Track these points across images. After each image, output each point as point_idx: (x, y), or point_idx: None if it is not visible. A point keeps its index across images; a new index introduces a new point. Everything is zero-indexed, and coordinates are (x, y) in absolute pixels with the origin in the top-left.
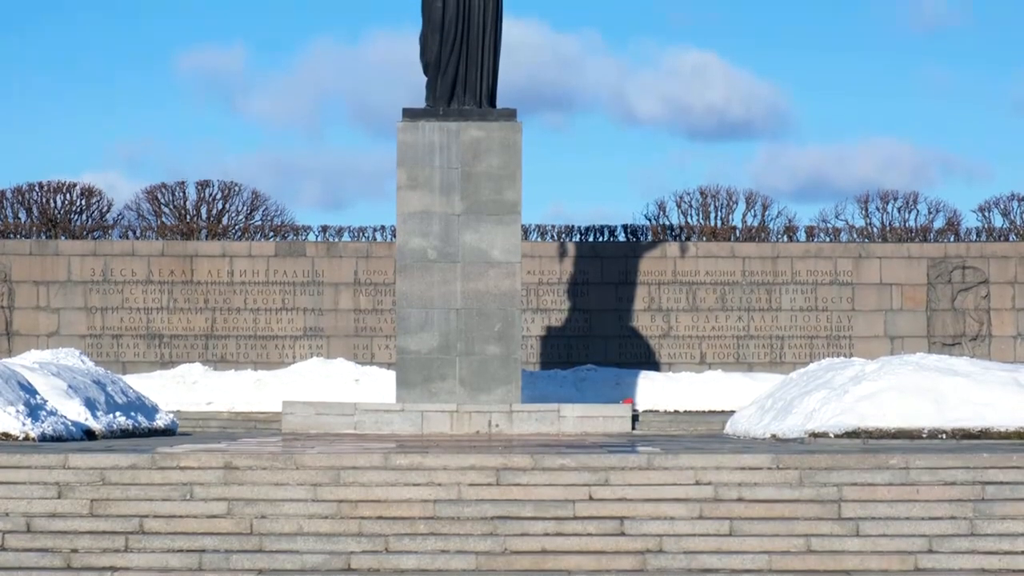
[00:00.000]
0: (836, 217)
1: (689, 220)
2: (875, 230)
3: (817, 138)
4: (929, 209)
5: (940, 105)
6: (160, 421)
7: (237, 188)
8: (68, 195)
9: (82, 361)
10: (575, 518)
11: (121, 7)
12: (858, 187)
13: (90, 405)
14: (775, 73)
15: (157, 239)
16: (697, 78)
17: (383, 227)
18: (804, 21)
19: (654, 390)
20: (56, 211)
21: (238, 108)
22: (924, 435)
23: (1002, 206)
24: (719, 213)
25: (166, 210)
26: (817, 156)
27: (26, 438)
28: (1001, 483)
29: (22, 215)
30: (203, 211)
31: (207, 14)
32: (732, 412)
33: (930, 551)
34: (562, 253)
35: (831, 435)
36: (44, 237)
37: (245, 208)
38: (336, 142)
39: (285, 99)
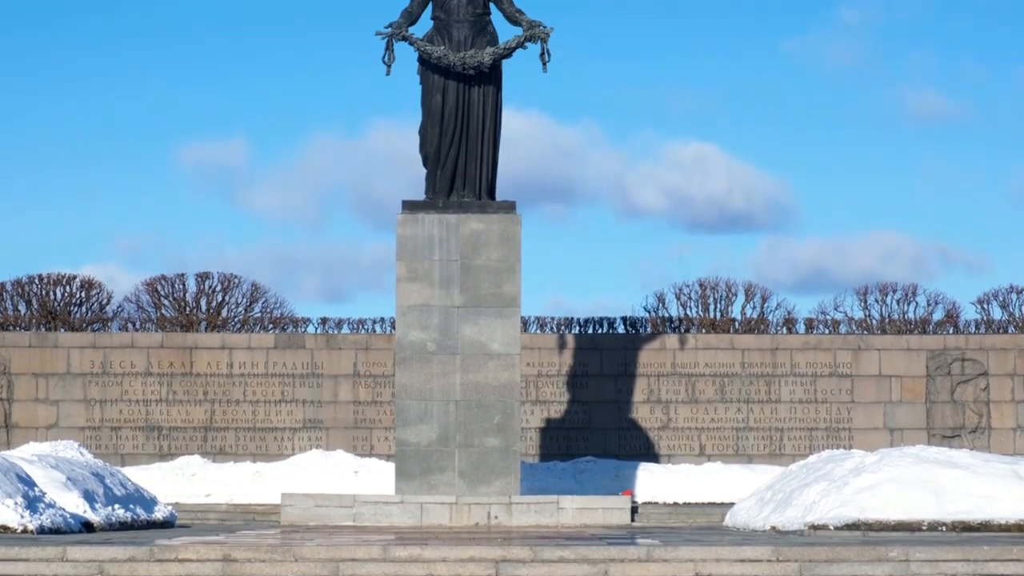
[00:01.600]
0: (835, 309)
1: (688, 312)
2: (874, 322)
3: (818, 230)
4: (928, 301)
5: (940, 197)
6: (159, 513)
7: (237, 280)
8: (68, 287)
9: (81, 453)
10: None
11: (122, 100)
12: (858, 279)
13: (89, 497)
14: (776, 165)
15: (156, 331)
16: (698, 170)
17: (382, 319)
18: (805, 114)
19: (653, 482)
20: (56, 303)
21: (238, 200)
22: (924, 527)
23: (1001, 298)
24: (718, 305)
25: (166, 302)
26: (818, 248)
27: (24, 530)
28: None
29: (22, 307)
30: (203, 303)
31: (208, 107)
32: (732, 504)
33: None
34: (561, 345)
35: (831, 527)
36: (44, 329)
37: (245, 300)
38: (337, 234)
39: (286, 191)
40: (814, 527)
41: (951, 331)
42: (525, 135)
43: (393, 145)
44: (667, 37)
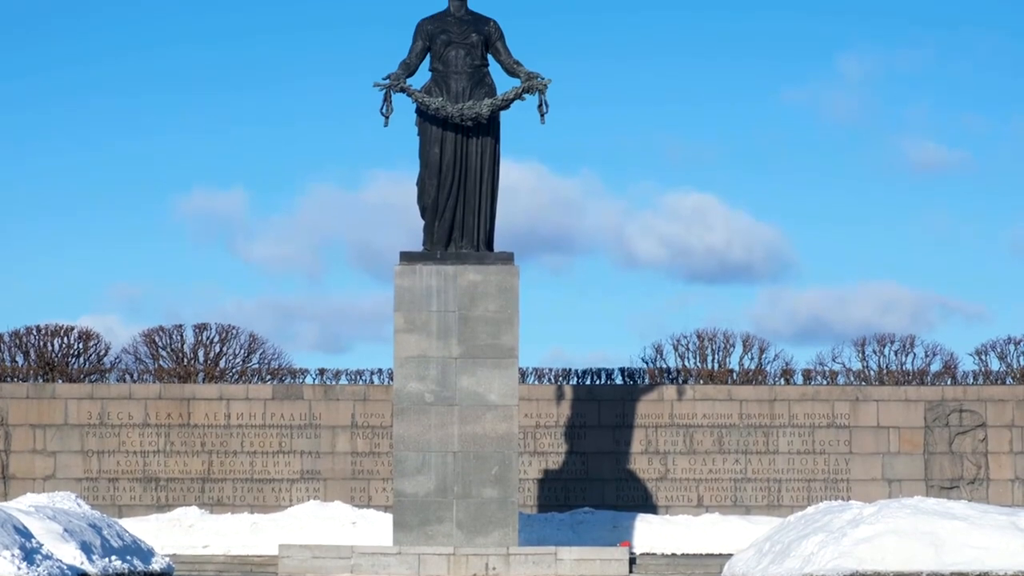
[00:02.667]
0: (833, 360)
1: (686, 363)
2: (872, 373)
3: (817, 281)
4: (926, 352)
5: (939, 248)
6: (156, 565)
7: (234, 331)
8: (66, 339)
9: (78, 504)
10: None
11: (121, 150)
12: (857, 330)
13: (86, 549)
14: (775, 215)
15: (154, 382)
16: (697, 220)
17: (380, 370)
18: (805, 164)
19: (651, 533)
20: (53, 354)
21: (237, 251)
22: None
23: (999, 349)
24: (716, 356)
25: (163, 353)
26: (817, 299)
27: None
28: None
29: (19, 358)
30: (200, 354)
31: (207, 158)
32: (730, 555)
33: None
34: (559, 396)
35: None
36: (41, 380)
37: (242, 351)
38: (335, 285)
39: (285, 242)
40: None
41: (949, 382)
42: (524, 186)
43: (391, 196)
44: (665, 87)
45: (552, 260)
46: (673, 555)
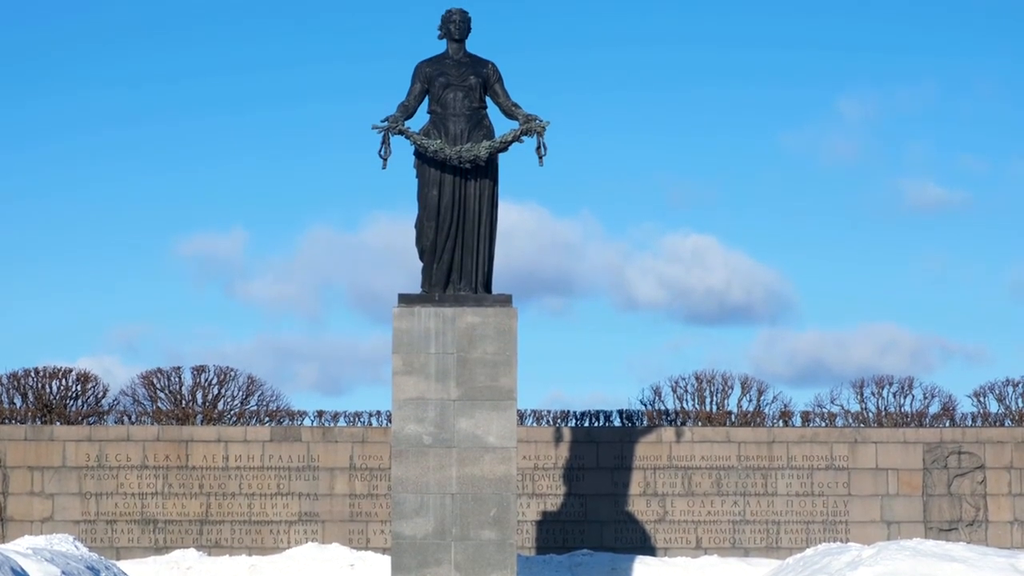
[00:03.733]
0: (831, 402)
1: (684, 405)
2: (870, 415)
3: (816, 322)
4: (924, 394)
5: (939, 290)
6: None
7: (233, 373)
8: (64, 380)
9: (76, 547)
10: None
11: (119, 192)
12: (857, 372)
13: None
14: (775, 257)
15: (152, 424)
16: (696, 262)
17: (379, 412)
18: (804, 206)
19: (650, 575)
20: (52, 397)
21: (235, 293)
22: None
23: (997, 391)
24: (714, 398)
25: (162, 395)
26: (816, 340)
27: None
28: None
29: (17, 400)
30: (198, 396)
31: (206, 200)
32: None
33: None
34: (558, 438)
35: None
36: (39, 422)
37: (240, 393)
38: (334, 327)
39: (284, 284)
40: None
41: (947, 424)
42: (523, 227)
43: (390, 238)
44: (665, 129)
45: (552, 302)
46: None
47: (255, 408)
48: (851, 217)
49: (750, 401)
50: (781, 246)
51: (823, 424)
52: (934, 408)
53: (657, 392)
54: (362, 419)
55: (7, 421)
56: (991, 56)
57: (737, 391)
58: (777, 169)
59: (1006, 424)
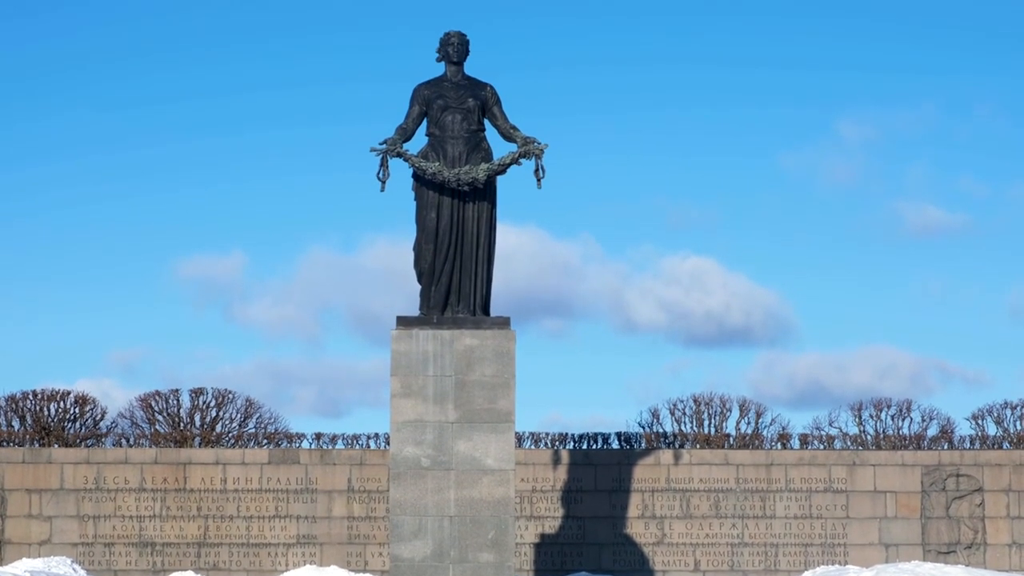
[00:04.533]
0: (830, 425)
1: (682, 428)
2: (869, 438)
3: (816, 345)
4: (922, 417)
5: (939, 313)
6: None
7: (231, 396)
8: (62, 403)
9: (74, 569)
10: None
11: (119, 215)
12: (856, 395)
13: None
14: (774, 280)
15: (150, 447)
16: (696, 284)
17: (377, 435)
18: (804, 228)
19: None
20: (50, 419)
21: (234, 316)
22: None
23: (995, 414)
24: (712, 421)
25: (160, 418)
26: (815, 363)
27: None
28: None
29: (15, 423)
30: (197, 419)
31: (206, 223)
32: None
33: None
34: (556, 461)
35: None
36: (37, 445)
37: (239, 416)
38: (333, 349)
39: (283, 306)
40: None
41: (946, 447)
42: (523, 250)
43: (389, 260)
44: (664, 151)
45: (551, 324)
46: None
47: (253, 431)
48: (851, 239)
49: (748, 424)
50: (780, 268)
51: (821, 447)
52: (932, 431)
53: (655, 415)
54: (360, 441)
55: (5, 444)
56: (991, 78)
57: (735, 414)
58: (777, 191)
59: (1004, 447)
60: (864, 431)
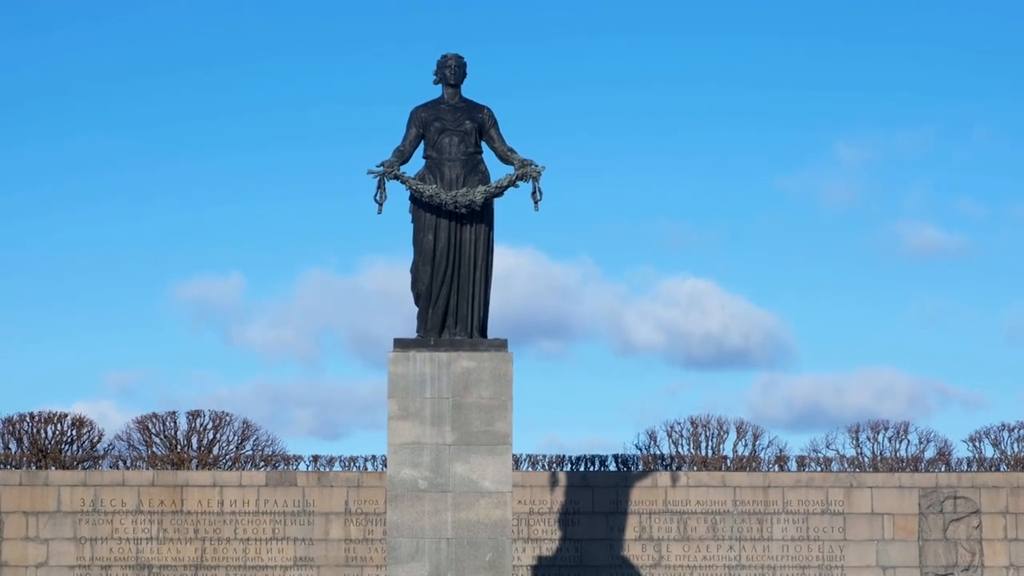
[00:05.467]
0: (827, 447)
1: (680, 450)
2: (866, 460)
3: (814, 367)
4: (920, 439)
5: (937, 334)
6: None
7: (228, 418)
8: (59, 425)
9: None
10: None
11: (117, 237)
12: (854, 416)
13: None
14: (773, 301)
15: (147, 469)
16: (694, 306)
17: (374, 457)
18: (802, 250)
19: None
20: (47, 441)
21: (232, 338)
22: None
23: (992, 436)
24: (710, 443)
25: (157, 440)
26: (814, 385)
27: None
28: None
29: (12, 446)
30: (194, 441)
31: (204, 245)
32: None
33: None
34: (553, 483)
35: None
36: (34, 467)
37: (236, 438)
38: (331, 371)
39: (280, 328)
40: None
41: (943, 469)
42: (522, 272)
43: (387, 282)
44: (663, 173)
45: (550, 346)
46: None
47: (250, 453)
48: (849, 261)
49: (745, 446)
50: (779, 290)
51: (819, 469)
52: (929, 453)
53: (652, 436)
54: (357, 464)
55: (2, 466)
56: (989, 100)
57: (732, 436)
58: (775, 213)
59: (1001, 469)
60: (861, 453)
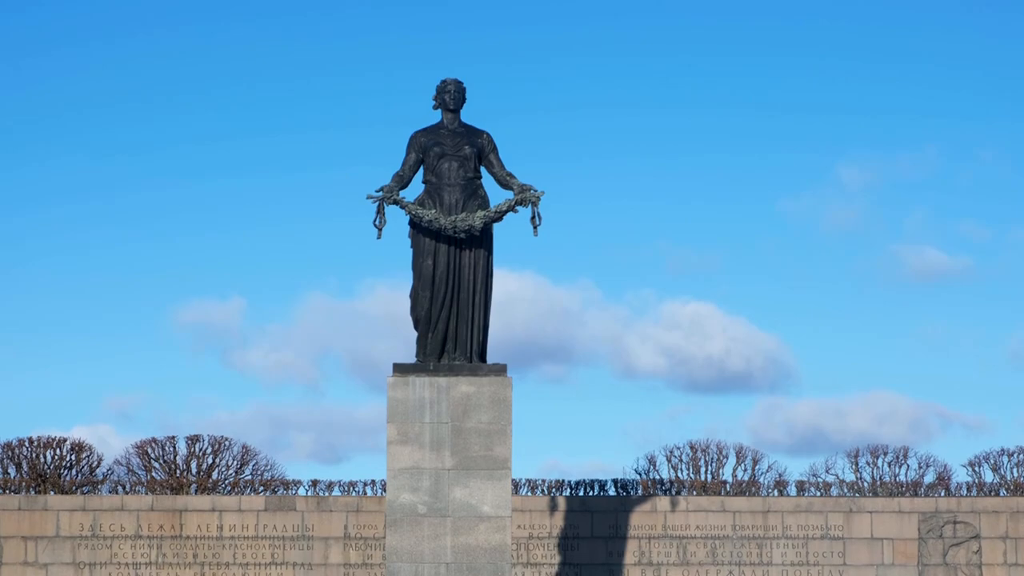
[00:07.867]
0: (826, 472)
1: (679, 474)
2: (865, 485)
3: (815, 391)
4: (919, 464)
5: (939, 358)
6: None
7: (227, 443)
8: (58, 450)
9: None
10: None
11: (117, 261)
12: (855, 441)
13: None
14: (775, 325)
15: (147, 494)
16: (696, 330)
17: (373, 481)
18: (804, 273)
19: None
20: (46, 466)
21: (232, 361)
22: None
23: (992, 461)
24: (709, 467)
25: (156, 465)
26: (815, 409)
27: None
28: None
29: (11, 470)
30: (193, 466)
31: (205, 269)
32: None
33: None
34: (552, 507)
35: None
36: (33, 492)
37: (235, 463)
38: (331, 395)
39: (281, 352)
40: None
41: (943, 494)
42: (522, 296)
43: (387, 306)
44: (664, 196)
45: (552, 370)
46: None
47: (250, 477)
48: (851, 284)
49: (745, 470)
50: (781, 313)
51: (818, 494)
52: (929, 477)
53: (652, 461)
54: (356, 488)
55: (1, 491)
56: (992, 122)
57: (732, 460)
58: (777, 236)
59: (1001, 494)
60: (861, 478)
